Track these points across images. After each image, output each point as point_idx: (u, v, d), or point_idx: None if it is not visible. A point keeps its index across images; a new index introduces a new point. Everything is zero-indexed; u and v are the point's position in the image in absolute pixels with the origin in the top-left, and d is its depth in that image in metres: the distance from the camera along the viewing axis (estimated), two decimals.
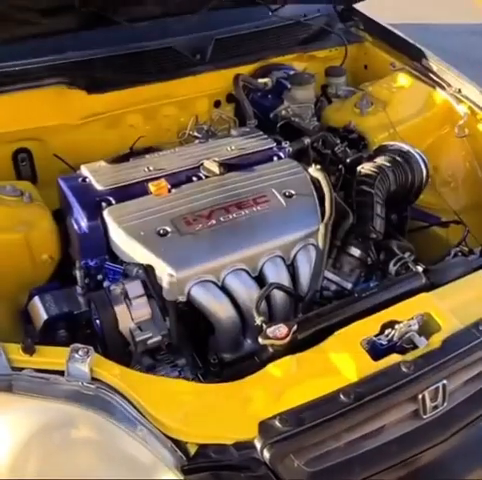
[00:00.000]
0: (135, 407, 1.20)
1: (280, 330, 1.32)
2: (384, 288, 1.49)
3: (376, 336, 1.36)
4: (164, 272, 1.43)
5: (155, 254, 1.45)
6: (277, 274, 1.52)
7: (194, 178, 1.67)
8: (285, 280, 1.53)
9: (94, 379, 1.22)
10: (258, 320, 1.37)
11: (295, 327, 1.33)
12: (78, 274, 1.52)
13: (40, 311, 1.49)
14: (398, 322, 1.37)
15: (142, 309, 1.48)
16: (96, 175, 1.65)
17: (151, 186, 1.60)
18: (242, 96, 2.05)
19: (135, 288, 1.48)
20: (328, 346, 1.34)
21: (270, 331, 1.32)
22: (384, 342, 1.35)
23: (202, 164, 1.70)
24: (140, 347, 1.45)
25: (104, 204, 1.56)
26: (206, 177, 1.67)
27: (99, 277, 1.56)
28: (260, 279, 1.52)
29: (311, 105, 2.23)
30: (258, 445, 1.18)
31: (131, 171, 1.68)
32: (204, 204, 1.57)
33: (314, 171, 1.71)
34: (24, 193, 1.69)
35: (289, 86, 2.22)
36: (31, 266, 1.65)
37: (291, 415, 1.21)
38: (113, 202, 1.57)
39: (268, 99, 2.30)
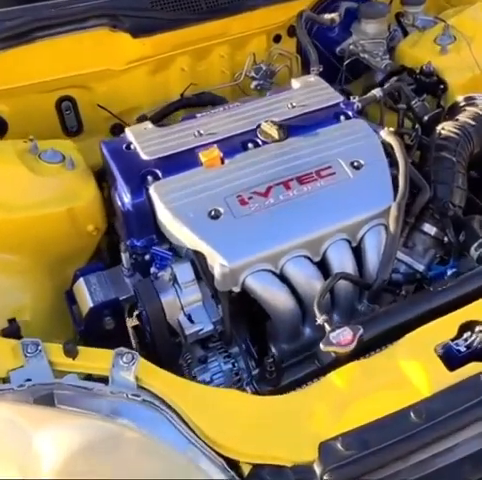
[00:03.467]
0: (184, 422, 1.11)
1: (344, 335, 1.18)
2: (463, 280, 1.32)
3: (453, 340, 1.20)
4: (216, 262, 1.29)
5: (206, 241, 1.30)
6: (341, 260, 1.36)
7: (250, 144, 1.48)
8: (350, 266, 1.37)
9: (140, 387, 1.14)
10: (320, 319, 1.23)
11: (361, 331, 1.19)
12: (123, 256, 1.41)
13: (85, 297, 1.40)
14: (479, 323, 1.21)
15: (192, 295, 1.37)
16: (141, 141, 1.49)
17: (202, 156, 1.43)
18: (305, 39, 1.80)
19: (185, 272, 1.37)
20: (397, 351, 1.20)
21: (333, 336, 1.18)
22: (462, 348, 1.19)
23: (259, 126, 1.51)
24: (190, 339, 1.35)
25: (150, 178, 1.41)
26: (263, 143, 1.49)
27: (147, 257, 1.44)
28: (322, 264, 1.37)
29: (383, 41, 1.97)
30: (318, 470, 1.07)
31: (179, 136, 1.50)
32: (261, 178, 1.40)
33: (387, 135, 1.49)
34: (66, 158, 1.56)
35: (359, 17, 1.95)
36: (77, 238, 1.54)
37: (355, 437, 1.09)
38: (160, 175, 1.42)
39: (334, 31, 2.05)
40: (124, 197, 1.41)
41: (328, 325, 1.21)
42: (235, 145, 1.48)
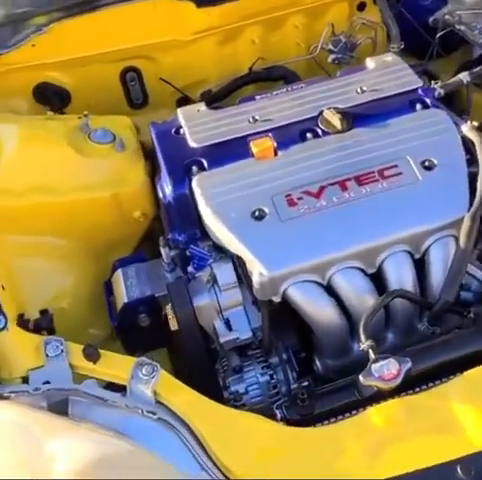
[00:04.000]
0: (201, 445, 1.02)
1: (389, 368, 1.03)
2: None
3: None
4: (255, 269, 1.17)
5: (245, 246, 1.18)
6: (400, 274, 1.20)
7: (309, 134, 1.33)
8: (409, 281, 1.20)
9: (158, 403, 1.06)
10: (364, 344, 1.09)
11: (408, 366, 1.04)
12: (163, 251, 1.32)
13: (121, 291, 1.33)
14: None
15: (233, 298, 1.26)
16: (191, 126, 1.38)
17: (253, 146, 1.30)
18: (386, 11, 1.59)
19: (226, 274, 1.26)
20: (450, 391, 1.04)
21: (375, 369, 1.04)
22: None
23: (321, 114, 1.35)
24: (226, 346, 1.25)
25: (195, 168, 1.30)
26: (324, 133, 1.33)
27: (188, 253, 1.34)
28: (378, 276, 1.21)
29: None
30: None
31: (232, 121, 1.37)
32: (315, 176, 1.25)
33: (469, 130, 1.28)
34: (116, 138, 1.48)
35: None
36: (123, 224, 1.47)
37: None
38: (205, 166, 1.30)
39: None
40: (166, 188, 1.31)
41: (373, 352, 1.07)
42: (292, 135, 1.33)
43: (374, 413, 1.04)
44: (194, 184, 1.27)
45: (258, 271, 1.16)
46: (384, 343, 1.27)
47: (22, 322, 1.26)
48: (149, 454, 1.01)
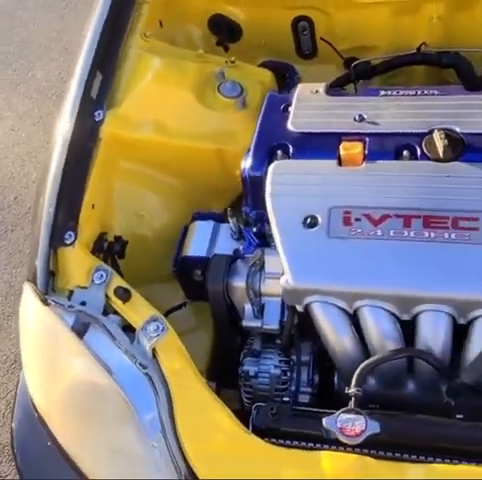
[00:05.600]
0: (171, 415, 1.11)
1: (354, 424, 1.00)
2: None
3: None
4: (285, 273, 1.16)
5: (284, 249, 1.17)
6: (432, 333, 1.11)
7: (405, 152, 1.22)
8: (439, 343, 1.11)
9: (155, 358, 1.17)
10: (351, 389, 1.06)
11: (376, 431, 0.99)
12: (230, 221, 1.36)
13: (188, 242, 1.41)
14: None
15: (273, 288, 1.27)
16: (299, 107, 1.34)
17: (342, 148, 1.23)
18: None
19: (274, 264, 1.26)
20: (410, 473, 0.98)
21: (341, 419, 1.01)
22: None
23: (431, 133, 1.21)
24: (248, 330, 1.29)
25: (280, 153, 1.28)
26: (422, 156, 1.20)
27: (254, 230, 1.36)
28: (411, 323, 1.13)
29: None
30: None
31: (340, 113, 1.30)
32: (384, 201, 1.16)
33: None
34: (242, 94, 1.50)
35: None
36: (222, 178, 1.52)
37: None
38: (290, 153, 1.28)
39: None
40: (246, 164, 1.32)
41: (353, 402, 1.04)
42: (388, 147, 1.23)
43: (326, 457, 1.03)
44: (269, 169, 1.27)
45: (286, 277, 1.16)
46: (403, 388, 1.21)
47: (100, 241, 1.42)
48: (125, 403, 1.13)
